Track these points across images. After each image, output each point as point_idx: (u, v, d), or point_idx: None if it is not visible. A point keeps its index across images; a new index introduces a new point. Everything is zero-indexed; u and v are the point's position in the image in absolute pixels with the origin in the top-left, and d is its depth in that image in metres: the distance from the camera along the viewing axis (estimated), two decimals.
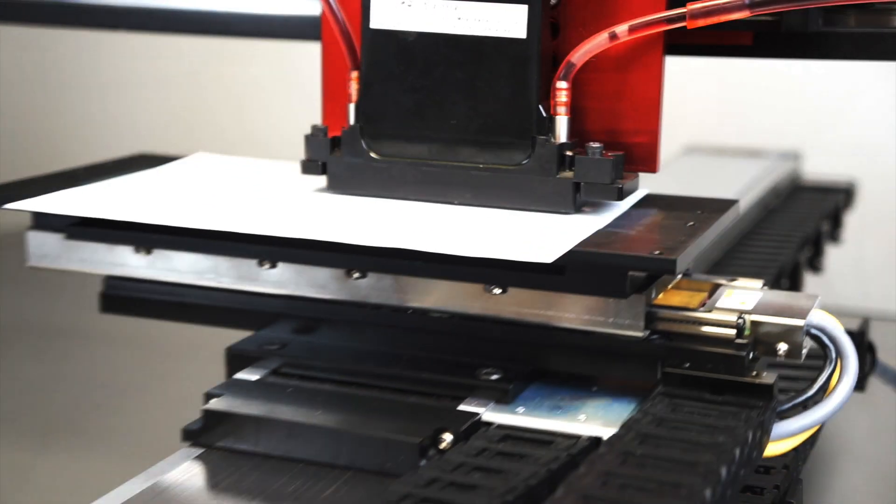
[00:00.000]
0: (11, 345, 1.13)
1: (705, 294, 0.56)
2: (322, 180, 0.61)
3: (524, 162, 0.56)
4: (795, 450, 0.56)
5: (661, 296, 0.55)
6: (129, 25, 0.77)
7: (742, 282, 0.58)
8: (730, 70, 1.40)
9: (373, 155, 0.59)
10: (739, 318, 0.52)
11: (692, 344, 0.53)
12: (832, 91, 1.40)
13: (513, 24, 0.56)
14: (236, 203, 0.59)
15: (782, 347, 0.52)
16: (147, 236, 0.59)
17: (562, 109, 0.56)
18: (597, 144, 0.56)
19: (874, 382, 0.75)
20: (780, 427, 0.52)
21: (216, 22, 0.75)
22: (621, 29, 0.55)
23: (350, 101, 0.59)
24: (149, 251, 0.60)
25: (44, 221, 0.62)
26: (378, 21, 0.57)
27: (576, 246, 0.51)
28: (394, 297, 0.56)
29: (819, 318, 0.53)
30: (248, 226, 0.55)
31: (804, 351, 0.52)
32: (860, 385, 0.72)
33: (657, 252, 0.51)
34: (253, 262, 0.58)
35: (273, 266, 0.58)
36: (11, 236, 1.64)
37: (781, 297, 0.55)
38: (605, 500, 0.40)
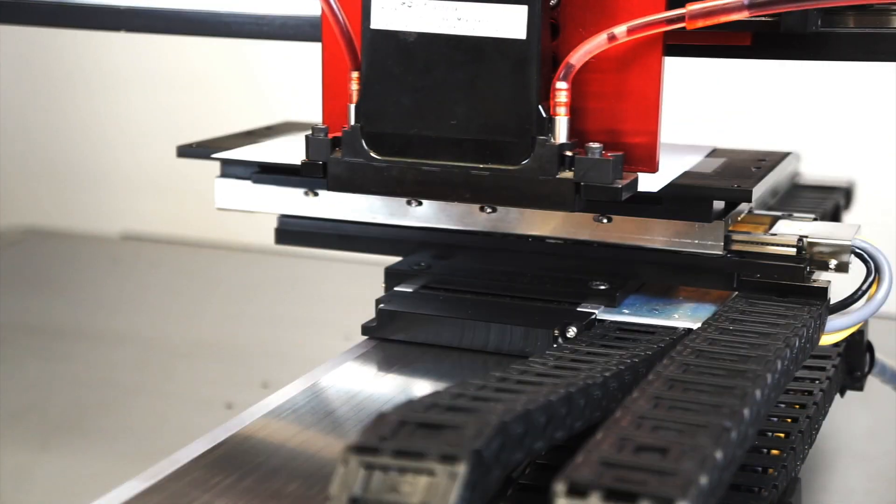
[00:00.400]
0: (13, 345, 1.13)
1: (767, 225, 0.67)
2: None
3: (524, 162, 0.56)
4: (793, 449, 0.56)
5: (732, 226, 0.66)
6: (130, 26, 0.77)
7: (797, 215, 0.71)
8: (729, 70, 1.40)
9: (373, 155, 0.59)
10: (799, 240, 0.64)
11: (762, 259, 0.65)
12: (832, 91, 1.40)
13: (513, 24, 0.56)
14: None
15: (832, 263, 0.64)
16: (315, 181, 0.70)
17: (561, 110, 0.56)
18: (597, 144, 0.56)
19: (873, 382, 0.75)
20: (832, 322, 0.64)
21: (216, 22, 0.75)
22: (620, 30, 0.56)
23: (350, 101, 0.59)
24: (316, 193, 0.71)
25: (229, 171, 0.73)
26: (378, 21, 0.58)
27: (671, 181, 0.62)
28: (518, 227, 0.67)
29: (861, 240, 0.64)
30: None
31: (850, 265, 0.64)
32: (859, 384, 0.72)
33: (736, 185, 0.63)
34: (402, 201, 0.68)
35: (419, 204, 0.68)
36: (12, 236, 1.64)
37: (830, 226, 0.68)
38: (708, 367, 0.50)
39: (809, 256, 0.64)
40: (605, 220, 0.65)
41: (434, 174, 0.58)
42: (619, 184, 0.56)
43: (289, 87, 1.56)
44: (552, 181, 0.56)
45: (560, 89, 0.56)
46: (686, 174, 0.65)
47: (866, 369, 0.72)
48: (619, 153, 0.56)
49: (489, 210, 0.66)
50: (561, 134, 0.56)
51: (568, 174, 0.56)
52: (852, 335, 0.71)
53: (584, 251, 0.67)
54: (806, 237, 0.65)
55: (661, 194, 0.61)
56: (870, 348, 0.73)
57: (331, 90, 0.64)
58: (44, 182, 1.82)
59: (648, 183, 0.60)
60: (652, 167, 0.60)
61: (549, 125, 0.56)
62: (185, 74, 1.71)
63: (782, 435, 0.57)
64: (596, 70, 0.58)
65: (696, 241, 0.65)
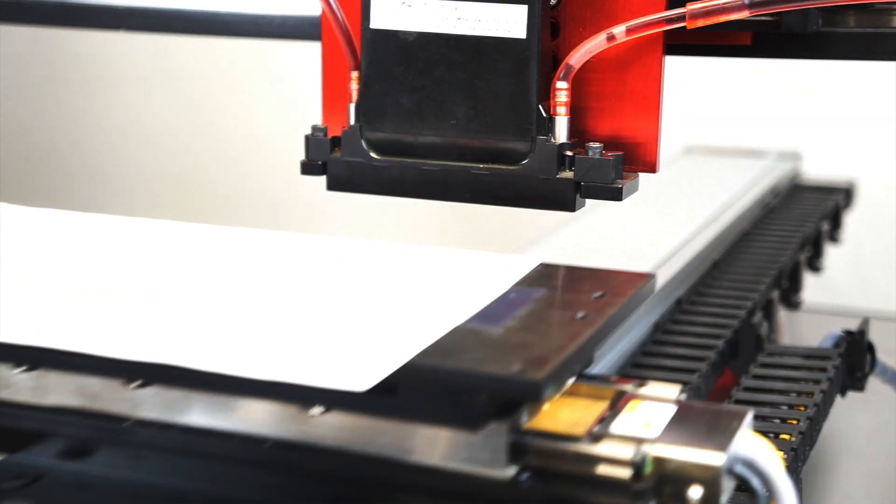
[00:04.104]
0: None
1: (605, 404, 0.43)
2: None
3: (524, 162, 0.56)
4: (794, 450, 0.56)
5: (544, 410, 0.42)
6: (130, 25, 0.77)
7: (654, 388, 0.44)
8: (730, 69, 1.40)
9: (373, 155, 0.59)
10: (638, 451, 0.39)
11: (575, 489, 0.40)
12: (833, 91, 1.40)
13: (513, 24, 0.56)
14: None
15: (695, 493, 0.39)
16: None
17: (562, 109, 0.56)
18: (597, 144, 0.56)
19: (874, 382, 0.75)
20: None
21: (216, 22, 0.75)
22: (619, 30, 0.56)
23: (350, 101, 0.59)
24: None
25: None
26: (378, 21, 0.57)
27: (416, 356, 0.40)
28: (184, 415, 0.43)
29: (747, 446, 0.39)
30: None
31: (724, 498, 0.39)
32: (860, 385, 0.72)
33: (518, 369, 0.39)
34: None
35: (31, 368, 0.44)
36: None
37: (702, 413, 0.42)
38: None
39: (656, 481, 0.39)
40: (316, 412, 0.42)
41: (434, 174, 0.58)
42: (620, 184, 0.56)
43: (289, 87, 1.56)
44: (552, 181, 0.56)
45: (560, 89, 0.56)
46: (452, 336, 0.42)
47: (867, 370, 0.72)
48: (620, 153, 0.56)
49: (137, 384, 0.43)
50: (561, 134, 0.56)
51: (568, 174, 0.56)
52: (853, 335, 0.71)
53: (291, 459, 0.43)
54: (651, 443, 0.39)
55: (393, 381, 0.39)
56: (871, 349, 0.72)
57: (331, 90, 0.64)
58: (41, 180, 1.82)
59: (358, 371, 0.39)
60: (653, 167, 0.60)
61: (549, 125, 0.56)
62: (185, 74, 1.71)
63: (784, 436, 0.57)
64: (596, 70, 0.58)
65: (463, 455, 0.40)
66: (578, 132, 0.58)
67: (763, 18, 0.58)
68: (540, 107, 0.56)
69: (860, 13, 0.59)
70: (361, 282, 0.51)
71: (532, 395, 0.39)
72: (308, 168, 0.60)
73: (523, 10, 0.55)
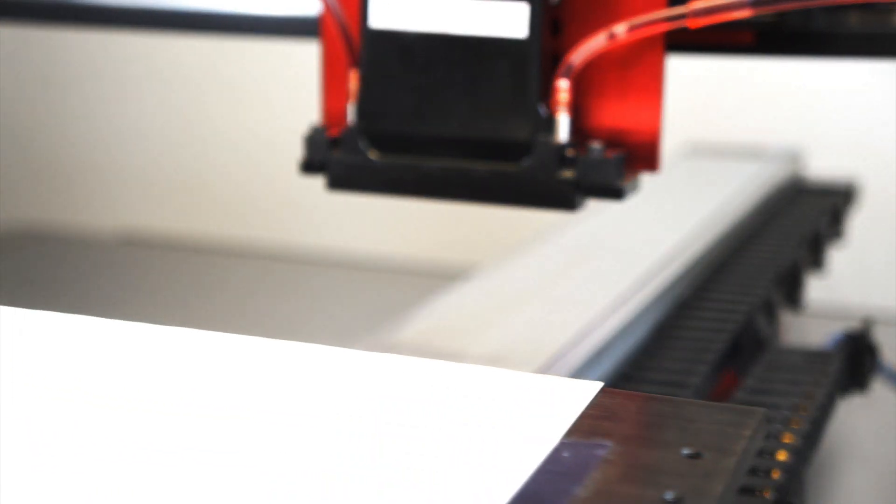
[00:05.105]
0: None
1: None
2: None
3: (525, 161, 0.56)
4: (797, 451, 0.55)
5: None
6: (129, 25, 0.77)
7: None
8: (732, 69, 1.40)
9: (372, 154, 0.58)
10: None
11: None
12: (834, 90, 1.40)
13: (513, 23, 0.55)
14: None
15: None
16: None
17: (562, 109, 0.56)
18: (598, 144, 0.55)
19: (876, 383, 0.74)
20: None
21: (216, 22, 0.75)
22: (620, 28, 0.55)
23: (349, 101, 0.59)
24: None
25: None
26: (377, 21, 0.57)
27: None
28: None
29: None
30: None
31: None
32: (862, 386, 0.72)
33: None
34: None
35: None
36: (13, 239, 1.64)
37: None
38: None
39: None
40: None
41: (434, 174, 0.57)
42: (621, 184, 0.55)
43: (288, 86, 1.56)
44: (553, 181, 0.56)
45: (561, 88, 0.55)
46: None
47: (868, 370, 0.72)
48: (621, 152, 0.56)
49: None
50: (562, 133, 0.56)
51: (569, 174, 0.56)
52: (855, 337, 0.71)
53: None
54: None
55: None
56: (872, 350, 0.72)
57: (330, 89, 0.64)
58: (41, 180, 1.81)
59: None
60: (654, 166, 0.59)
61: (549, 124, 0.56)
62: (184, 73, 1.71)
63: (786, 437, 0.57)
64: (597, 68, 0.58)
65: None
66: (580, 131, 0.58)
67: (765, 18, 0.58)
68: (541, 106, 0.56)
69: (862, 12, 0.58)
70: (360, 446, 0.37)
71: None
72: (307, 168, 0.60)
73: (524, 9, 0.55)
